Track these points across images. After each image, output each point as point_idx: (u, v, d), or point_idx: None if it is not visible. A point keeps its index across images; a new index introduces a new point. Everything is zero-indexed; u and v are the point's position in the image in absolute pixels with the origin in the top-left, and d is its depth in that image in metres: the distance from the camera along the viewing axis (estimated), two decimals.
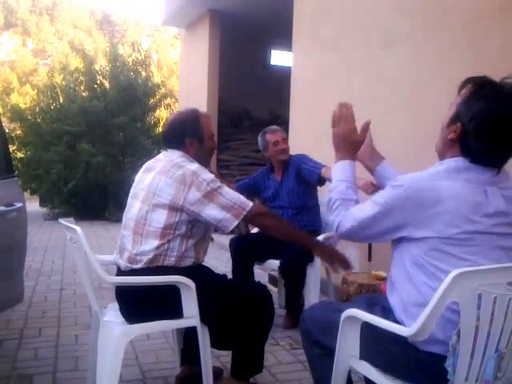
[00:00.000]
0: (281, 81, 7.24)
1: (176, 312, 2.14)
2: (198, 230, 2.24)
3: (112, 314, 2.29)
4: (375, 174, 2.01)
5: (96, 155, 11.51)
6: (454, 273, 1.28)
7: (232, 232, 2.38)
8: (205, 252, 2.35)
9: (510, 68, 2.91)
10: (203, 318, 2.18)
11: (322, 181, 3.48)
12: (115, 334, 2.13)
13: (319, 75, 5.07)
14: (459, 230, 1.43)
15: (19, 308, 3.77)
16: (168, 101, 14.79)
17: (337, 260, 2.33)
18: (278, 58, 10.41)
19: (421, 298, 1.47)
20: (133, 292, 2.15)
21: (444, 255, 1.45)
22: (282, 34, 6.75)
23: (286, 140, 3.81)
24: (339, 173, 1.77)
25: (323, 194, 3.61)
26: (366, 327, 1.58)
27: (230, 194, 2.19)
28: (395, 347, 1.50)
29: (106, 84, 13.08)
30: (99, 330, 2.25)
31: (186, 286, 2.11)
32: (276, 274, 3.98)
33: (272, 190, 3.76)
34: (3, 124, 3.34)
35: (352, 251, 4.38)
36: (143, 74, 13.32)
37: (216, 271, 2.42)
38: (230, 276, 2.69)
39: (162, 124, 14.18)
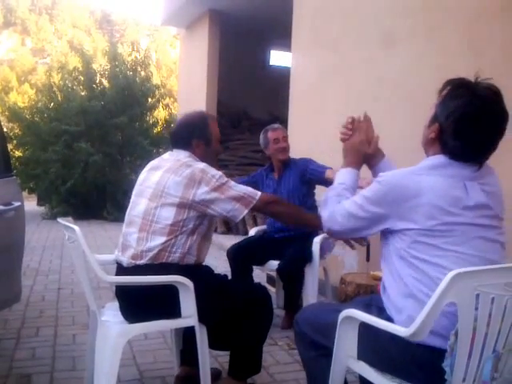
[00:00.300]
0: (280, 81, 7.25)
1: (175, 311, 2.15)
2: (203, 227, 2.27)
3: (110, 314, 2.29)
4: (375, 170, 2.01)
5: (94, 154, 11.50)
6: (451, 273, 1.28)
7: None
8: (206, 252, 2.36)
9: (510, 68, 2.93)
10: (203, 318, 2.18)
11: (327, 182, 3.47)
12: (113, 333, 2.12)
13: (318, 75, 5.07)
14: (438, 221, 1.49)
15: (17, 307, 3.77)
16: (167, 101, 14.79)
17: None
18: (277, 58, 10.43)
19: (406, 289, 1.53)
20: (133, 291, 2.16)
21: (425, 246, 1.51)
22: (281, 34, 6.76)
23: (286, 138, 3.79)
24: (340, 177, 1.86)
25: (320, 195, 3.61)
26: (364, 327, 1.58)
27: (239, 187, 2.25)
28: (392, 346, 1.50)
29: (105, 83, 13.07)
30: (97, 329, 2.24)
31: (184, 286, 2.11)
32: (274, 274, 3.98)
33: (271, 190, 3.76)
34: (1, 123, 3.34)
35: (350, 252, 4.39)
36: (142, 73, 13.31)
37: (216, 271, 2.43)
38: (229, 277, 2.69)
39: (160, 124, 14.19)
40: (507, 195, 1.70)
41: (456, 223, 1.49)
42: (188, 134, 2.37)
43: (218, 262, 5.29)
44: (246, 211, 2.23)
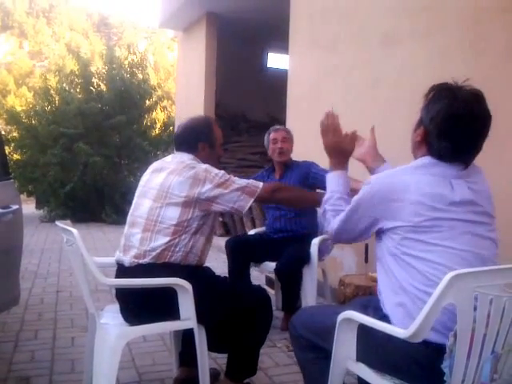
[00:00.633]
0: (278, 83, 7.26)
1: (175, 313, 2.15)
2: (206, 228, 2.30)
3: (109, 316, 2.29)
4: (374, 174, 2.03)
5: (93, 155, 11.50)
6: (450, 274, 1.28)
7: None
8: (207, 253, 2.39)
9: (510, 68, 2.94)
10: (202, 319, 2.18)
11: None
12: (112, 336, 2.12)
13: (316, 77, 5.08)
14: (424, 217, 1.53)
15: (15, 310, 3.77)
16: (165, 103, 14.79)
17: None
18: (275, 60, 10.43)
19: (398, 284, 1.57)
20: (132, 293, 2.16)
21: (414, 242, 1.55)
22: (278, 36, 6.77)
23: (287, 140, 3.76)
24: (332, 184, 1.92)
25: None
26: (362, 329, 1.59)
27: (241, 180, 2.34)
28: (391, 347, 1.50)
29: (102, 86, 13.07)
30: (96, 332, 2.24)
31: (182, 289, 2.11)
32: (273, 276, 3.98)
33: None
34: None
35: (349, 253, 4.39)
36: (139, 75, 13.31)
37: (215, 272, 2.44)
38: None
39: (159, 126, 14.18)
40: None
41: (442, 218, 1.53)
42: (194, 138, 2.44)
43: (217, 263, 5.28)
44: (251, 200, 2.29)
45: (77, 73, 12.97)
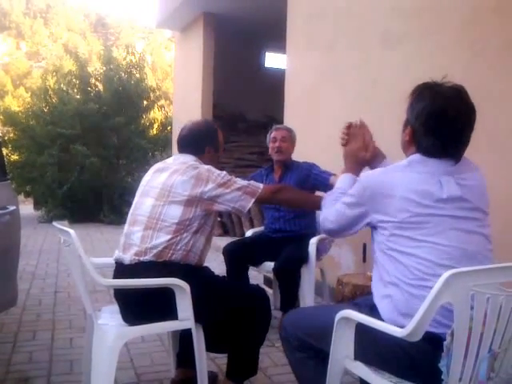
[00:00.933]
0: (275, 83, 7.25)
1: (174, 313, 2.15)
2: (207, 227, 2.33)
3: (106, 317, 2.29)
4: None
5: (90, 156, 11.49)
6: (447, 274, 1.28)
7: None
8: (206, 254, 2.40)
9: (508, 67, 2.95)
10: (201, 319, 2.19)
11: (331, 189, 3.45)
12: (110, 336, 2.12)
13: (314, 77, 5.08)
14: (410, 213, 1.57)
15: (13, 311, 3.76)
16: (162, 103, 14.80)
17: None
18: (273, 60, 10.43)
19: (387, 278, 1.62)
20: (131, 292, 2.16)
21: (401, 238, 1.59)
22: (276, 36, 6.76)
23: (286, 139, 3.72)
24: (340, 183, 1.99)
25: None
26: (359, 327, 1.59)
27: (242, 181, 2.38)
28: (388, 342, 1.50)
29: (100, 87, 13.06)
30: (93, 333, 2.24)
31: (180, 289, 2.11)
32: (271, 275, 3.97)
33: None
34: None
35: (347, 253, 4.39)
36: (137, 75, 13.31)
37: None
38: None
39: (156, 126, 14.19)
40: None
41: (429, 215, 1.57)
42: (202, 141, 2.51)
43: (215, 263, 5.27)
44: (252, 200, 2.33)
45: (75, 73, 12.97)
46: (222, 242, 6.90)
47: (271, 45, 9.48)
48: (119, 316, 2.25)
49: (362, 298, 2.27)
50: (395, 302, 1.56)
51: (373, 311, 1.64)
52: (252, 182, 2.41)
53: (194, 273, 2.23)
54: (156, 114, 14.45)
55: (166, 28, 10.60)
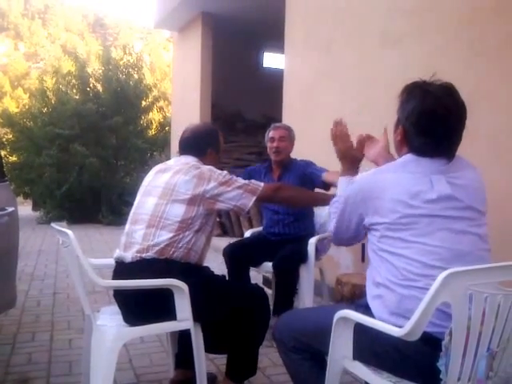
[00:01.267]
0: (274, 83, 7.25)
1: (173, 313, 2.15)
2: (208, 227, 2.36)
3: (105, 318, 2.28)
4: None
5: (89, 157, 11.49)
6: (445, 273, 1.28)
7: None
8: (206, 254, 2.42)
9: (507, 67, 2.95)
10: (200, 318, 2.19)
11: (325, 185, 3.44)
12: (108, 337, 2.12)
13: (312, 77, 5.08)
14: (400, 214, 1.57)
15: (12, 313, 3.76)
16: (161, 103, 14.80)
17: None
18: (271, 60, 10.44)
19: (378, 279, 1.62)
20: (131, 293, 2.16)
21: (391, 240, 1.59)
22: (274, 36, 6.77)
23: (284, 139, 3.66)
24: (340, 188, 2.01)
25: None
26: (357, 327, 1.59)
27: (244, 180, 2.42)
28: (386, 341, 1.50)
29: (99, 87, 13.06)
30: (92, 334, 2.24)
31: (179, 289, 2.11)
32: (270, 275, 3.97)
33: None
34: None
35: (346, 252, 4.40)
36: (135, 76, 13.31)
37: None
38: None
39: (154, 126, 14.18)
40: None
41: (418, 215, 1.56)
42: (205, 143, 2.56)
43: (214, 264, 5.27)
44: (253, 198, 2.37)
45: (74, 73, 12.96)
46: (221, 242, 6.90)
47: (269, 45, 9.50)
48: (118, 317, 2.24)
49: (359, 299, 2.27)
50: (386, 303, 1.56)
51: (367, 311, 1.64)
52: (253, 180, 2.45)
53: (193, 272, 2.24)
54: (155, 115, 14.45)
55: (164, 28, 10.60)
